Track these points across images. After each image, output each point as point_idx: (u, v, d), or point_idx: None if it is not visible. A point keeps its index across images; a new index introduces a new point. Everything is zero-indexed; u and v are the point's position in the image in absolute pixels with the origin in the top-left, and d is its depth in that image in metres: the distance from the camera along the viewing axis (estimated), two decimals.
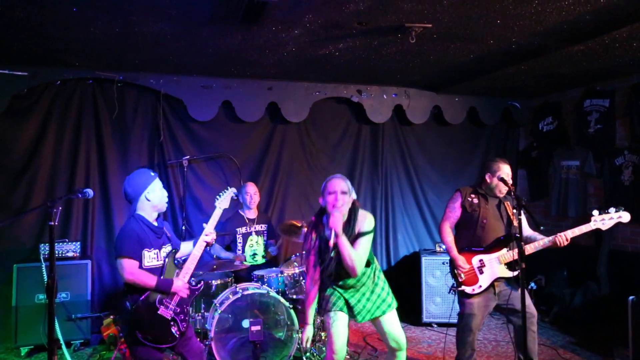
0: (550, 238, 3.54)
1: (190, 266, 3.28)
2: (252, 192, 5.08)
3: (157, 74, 5.26)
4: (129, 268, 3.06)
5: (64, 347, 4.37)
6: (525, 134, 6.76)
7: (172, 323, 3.16)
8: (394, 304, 3.31)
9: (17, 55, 4.56)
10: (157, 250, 3.20)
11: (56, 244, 4.65)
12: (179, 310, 3.20)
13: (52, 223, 2.56)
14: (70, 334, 4.68)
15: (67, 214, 5.15)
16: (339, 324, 3.15)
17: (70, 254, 4.87)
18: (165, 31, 3.90)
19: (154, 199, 3.20)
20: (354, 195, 3.17)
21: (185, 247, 3.47)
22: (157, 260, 3.19)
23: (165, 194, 3.31)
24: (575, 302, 5.49)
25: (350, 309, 3.23)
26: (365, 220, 3.16)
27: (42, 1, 3.28)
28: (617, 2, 3.32)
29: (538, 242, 3.60)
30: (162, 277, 3.17)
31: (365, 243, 3.12)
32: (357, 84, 5.87)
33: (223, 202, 3.47)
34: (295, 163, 5.98)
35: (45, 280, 4.42)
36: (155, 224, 3.26)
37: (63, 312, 4.66)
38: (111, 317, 4.75)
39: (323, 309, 3.26)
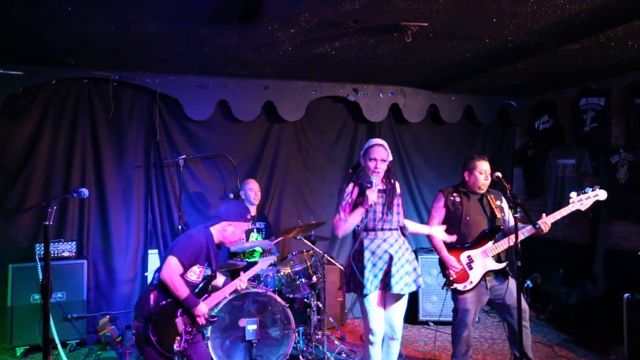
0: (530, 227, 3.53)
1: (217, 298, 3.47)
2: (256, 189, 5.08)
3: (153, 74, 5.25)
4: (174, 269, 3.17)
5: (59, 347, 4.35)
6: (521, 132, 6.77)
7: (178, 337, 3.22)
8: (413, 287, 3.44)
9: (13, 55, 4.54)
10: (202, 269, 3.34)
11: (52, 243, 4.67)
12: (189, 329, 3.28)
13: (47, 223, 2.56)
14: (66, 334, 4.67)
15: (62, 214, 5.13)
16: (375, 307, 3.37)
17: (66, 254, 4.85)
18: (161, 30, 3.89)
19: (230, 236, 3.43)
20: (390, 158, 3.47)
21: (219, 278, 3.65)
22: (197, 278, 3.33)
23: (240, 241, 3.62)
24: (571, 300, 5.51)
25: (386, 275, 3.34)
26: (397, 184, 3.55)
27: (38, 0, 3.27)
28: (613, 1, 3.33)
29: (520, 230, 3.62)
30: (193, 294, 3.27)
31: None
32: (354, 82, 5.87)
33: (264, 263, 3.83)
34: (291, 162, 5.97)
35: (41, 280, 4.41)
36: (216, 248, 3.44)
37: (59, 312, 4.65)
38: (107, 317, 4.74)
39: (356, 287, 3.38)
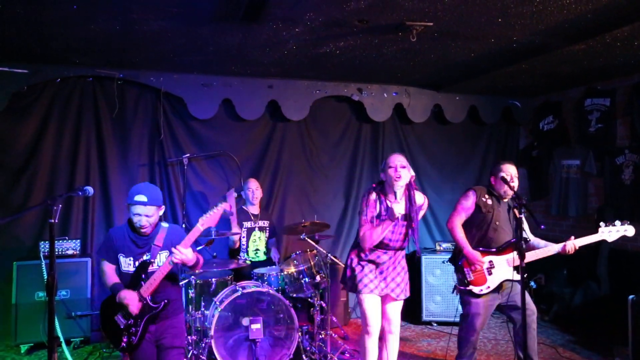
0: (560, 245, 3.63)
1: (151, 282, 3.09)
2: (254, 188, 5.10)
3: (157, 72, 5.25)
4: (100, 267, 3.27)
5: (64, 344, 4.37)
6: (526, 133, 6.75)
7: (124, 332, 3.13)
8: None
9: (17, 53, 4.55)
10: (131, 258, 3.16)
11: (56, 241, 4.65)
12: (131, 322, 3.12)
13: (52, 221, 2.56)
14: (70, 331, 4.68)
15: (67, 212, 5.14)
16: (372, 302, 3.49)
17: (70, 252, 4.87)
18: (165, 29, 3.89)
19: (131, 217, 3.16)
20: (412, 172, 3.46)
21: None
22: (130, 268, 3.16)
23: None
24: (575, 301, 5.49)
25: (384, 281, 3.50)
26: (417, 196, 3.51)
27: None
28: (619, 1, 3.31)
29: (543, 249, 3.70)
30: (122, 283, 3.17)
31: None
32: (358, 82, 5.87)
33: (208, 221, 3.14)
34: (295, 161, 5.97)
35: (45, 277, 4.42)
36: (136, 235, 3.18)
37: (63, 310, 4.66)
38: None
39: (353, 286, 3.52)
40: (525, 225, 3.82)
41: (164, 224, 3.23)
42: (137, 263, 3.14)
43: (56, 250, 4.66)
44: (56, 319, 2.83)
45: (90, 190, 2.92)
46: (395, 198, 3.33)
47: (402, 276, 3.57)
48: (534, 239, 3.85)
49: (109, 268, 3.23)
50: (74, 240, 4.93)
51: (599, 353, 4.66)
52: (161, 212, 3.18)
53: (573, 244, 3.61)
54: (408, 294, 3.61)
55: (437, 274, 5.45)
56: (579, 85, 5.81)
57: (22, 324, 4.58)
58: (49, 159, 5.12)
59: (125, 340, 3.11)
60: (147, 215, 3.05)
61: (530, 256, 3.64)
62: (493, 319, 5.72)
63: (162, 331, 3.16)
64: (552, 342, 4.99)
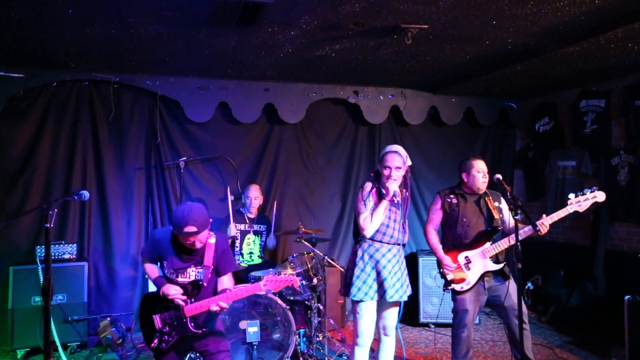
0: (529, 227, 3.51)
1: (197, 306, 3.09)
2: (253, 197, 5.11)
3: (153, 76, 5.26)
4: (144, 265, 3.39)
5: (60, 349, 4.36)
6: (522, 134, 6.77)
7: (157, 335, 3.15)
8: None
9: (13, 57, 4.55)
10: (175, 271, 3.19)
11: (52, 246, 4.68)
12: (167, 330, 3.14)
13: (48, 225, 2.56)
14: (66, 336, 4.67)
15: (63, 216, 5.14)
16: (368, 314, 3.44)
17: (66, 256, 4.85)
18: (161, 33, 3.90)
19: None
20: (409, 162, 3.50)
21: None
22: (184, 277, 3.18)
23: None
24: (571, 302, 5.50)
25: (381, 286, 3.42)
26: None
27: (38, 3, 3.28)
28: (612, 3, 3.34)
29: (519, 231, 3.62)
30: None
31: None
32: (354, 85, 5.88)
33: (271, 285, 3.12)
34: (292, 164, 5.98)
35: (42, 282, 4.40)
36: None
37: (59, 314, 4.65)
38: (107, 319, 4.74)
39: (347, 291, 3.48)
40: (505, 212, 3.87)
41: (211, 239, 3.16)
42: (179, 278, 3.15)
43: (52, 254, 4.69)
44: (52, 323, 2.83)
45: (86, 194, 2.92)
46: (387, 193, 3.41)
47: (400, 277, 3.51)
48: (512, 225, 3.74)
49: (150, 267, 3.29)
50: (70, 245, 4.91)
51: (595, 354, 4.67)
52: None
53: (542, 222, 3.52)
54: (406, 298, 3.55)
55: (434, 275, 5.46)
56: (574, 87, 5.83)
57: (19, 329, 4.55)
58: (45, 163, 5.11)
59: (156, 341, 3.14)
60: (199, 241, 3.05)
61: (505, 242, 3.67)
62: (490, 320, 5.73)
63: (202, 341, 3.19)
64: (549, 342, 5.00)
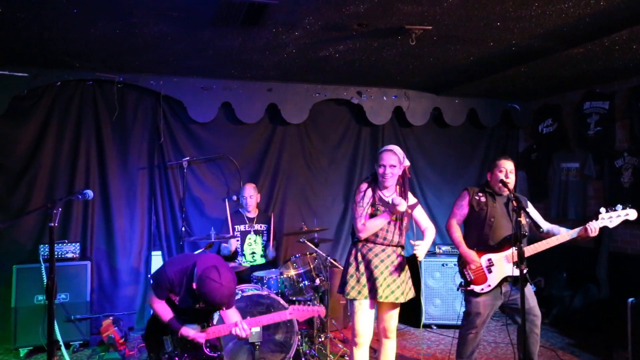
0: (579, 229, 3.48)
1: (215, 331, 3.24)
2: (249, 195, 5.05)
3: (157, 76, 5.27)
4: (152, 298, 3.27)
5: (63, 348, 4.37)
6: (525, 136, 6.76)
7: (167, 356, 3.17)
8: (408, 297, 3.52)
9: (18, 57, 4.56)
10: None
11: (56, 245, 4.67)
12: (177, 352, 3.16)
13: (52, 224, 2.57)
14: (69, 335, 4.68)
15: (66, 215, 5.15)
16: (362, 313, 3.41)
17: (69, 255, 4.87)
18: (165, 33, 3.90)
19: None
20: (406, 163, 3.45)
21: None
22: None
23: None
24: (574, 304, 5.49)
25: (373, 286, 3.38)
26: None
27: (43, 3, 3.29)
28: (617, 5, 3.33)
29: (563, 234, 3.56)
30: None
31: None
32: (357, 85, 5.88)
33: (297, 313, 3.42)
34: (294, 164, 5.98)
35: (45, 281, 4.42)
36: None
37: (62, 313, 4.66)
38: (110, 318, 4.74)
39: (343, 289, 3.47)
40: (537, 215, 3.80)
41: None
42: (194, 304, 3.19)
43: (56, 253, 4.70)
44: (55, 322, 2.83)
45: (90, 193, 2.92)
46: (391, 202, 3.33)
47: (396, 278, 3.41)
48: (549, 227, 3.73)
49: (161, 307, 3.23)
50: (73, 244, 4.93)
51: (598, 356, 4.66)
52: None
53: (593, 224, 3.43)
54: (403, 300, 3.45)
55: (437, 276, 5.45)
56: (578, 89, 5.82)
57: (22, 328, 4.57)
58: (49, 163, 5.12)
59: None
60: None
61: (541, 245, 3.56)
62: (493, 322, 5.72)
63: None
64: (552, 345, 4.98)
